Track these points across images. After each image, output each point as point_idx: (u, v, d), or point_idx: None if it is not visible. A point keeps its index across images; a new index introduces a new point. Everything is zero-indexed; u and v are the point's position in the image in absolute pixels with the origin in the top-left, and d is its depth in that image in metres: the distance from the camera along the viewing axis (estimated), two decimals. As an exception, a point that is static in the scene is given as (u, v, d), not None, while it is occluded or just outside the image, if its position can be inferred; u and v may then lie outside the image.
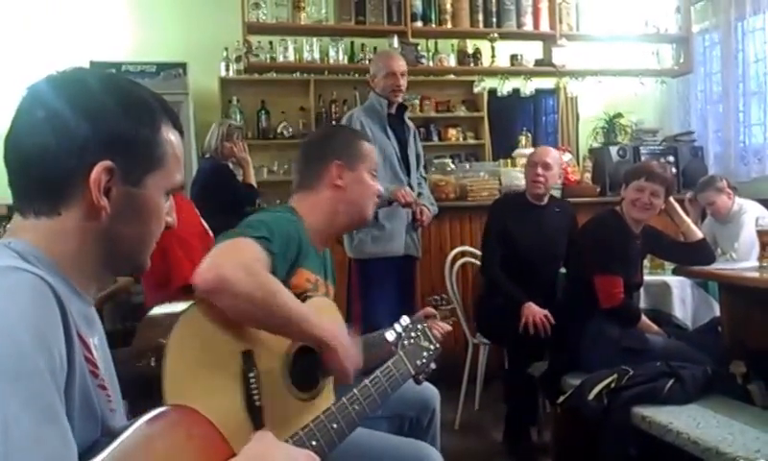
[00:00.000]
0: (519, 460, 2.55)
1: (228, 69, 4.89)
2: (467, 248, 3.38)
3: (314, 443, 0.97)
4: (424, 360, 1.30)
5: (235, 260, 1.13)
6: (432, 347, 1.32)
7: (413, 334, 1.32)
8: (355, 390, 1.11)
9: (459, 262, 3.21)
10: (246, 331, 1.17)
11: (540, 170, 2.74)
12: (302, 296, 1.33)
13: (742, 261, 2.73)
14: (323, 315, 1.30)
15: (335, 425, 1.02)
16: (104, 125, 0.71)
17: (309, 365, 1.29)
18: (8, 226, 0.75)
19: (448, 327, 1.68)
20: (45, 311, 0.62)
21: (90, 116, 0.71)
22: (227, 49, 4.87)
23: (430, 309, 1.68)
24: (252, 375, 1.13)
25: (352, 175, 1.49)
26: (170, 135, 0.78)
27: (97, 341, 0.76)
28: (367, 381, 1.15)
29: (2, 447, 0.55)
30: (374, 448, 1.22)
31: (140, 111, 0.74)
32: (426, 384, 1.55)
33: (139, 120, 0.74)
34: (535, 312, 2.53)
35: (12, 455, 0.55)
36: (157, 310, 1.11)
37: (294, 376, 1.25)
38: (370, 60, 3.22)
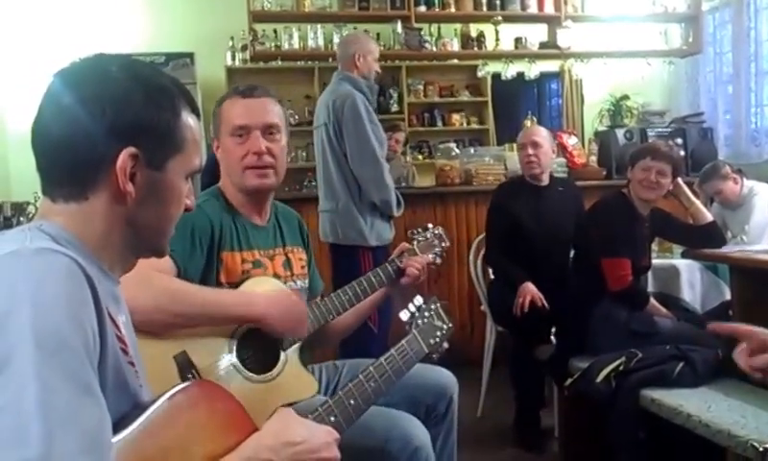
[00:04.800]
0: (527, 446, 2.56)
1: (234, 58, 4.89)
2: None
3: (332, 419, 1.01)
4: (438, 339, 1.32)
5: (125, 278, 1.12)
6: (445, 326, 1.34)
7: (426, 314, 1.34)
8: (371, 367, 1.14)
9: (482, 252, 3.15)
10: (172, 335, 1.16)
11: (530, 150, 2.74)
12: (239, 280, 1.30)
13: (753, 244, 2.70)
14: (259, 291, 1.28)
15: (352, 402, 1.06)
16: (128, 112, 0.73)
17: (264, 344, 1.27)
18: (38, 208, 0.77)
19: (427, 259, 1.64)
20: (78, 291, 0.65)
21: (115, 103, 0.73)
22: (232, 38, 4.87)
23: (405, 244, 1.65)
24: (189, 375, 1.14)
25: (220, 144, 1.43)
26: (189, 120, 0.80)
27: (124, 319, 0.79)
28: (382, 359, 1.17)
29: (44, 417, 0.58)
30: None
31: (162, 97, 0.77)
32: (444, 371, 1.54)
33: (161, 106, 0.76)
34: (529, 291, 2.50)
35: (53, 425, 0.58)
36: None
37: (248, 360, 1.24)
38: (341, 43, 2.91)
